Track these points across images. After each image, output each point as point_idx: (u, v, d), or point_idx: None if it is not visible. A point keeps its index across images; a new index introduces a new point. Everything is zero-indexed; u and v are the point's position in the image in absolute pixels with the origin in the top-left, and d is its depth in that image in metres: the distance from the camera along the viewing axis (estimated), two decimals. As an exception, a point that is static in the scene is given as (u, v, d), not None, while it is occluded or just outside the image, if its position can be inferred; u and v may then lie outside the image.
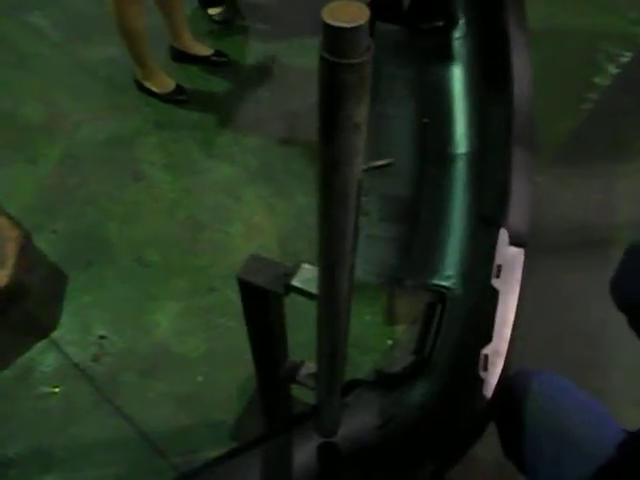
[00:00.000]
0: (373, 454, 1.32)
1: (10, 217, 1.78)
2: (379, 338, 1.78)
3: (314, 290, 0.85)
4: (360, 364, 1.68)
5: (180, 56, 2.59)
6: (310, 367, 1.15)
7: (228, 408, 1.61)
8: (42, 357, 1.72)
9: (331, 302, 0.82)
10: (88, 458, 1.55)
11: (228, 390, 1.65)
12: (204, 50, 2.59)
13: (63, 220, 2.06)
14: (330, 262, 0.75)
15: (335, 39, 0.50)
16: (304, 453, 1.30)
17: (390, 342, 1.77)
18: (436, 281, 1.57)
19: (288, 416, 1.42)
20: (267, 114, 2.42)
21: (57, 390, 1.67)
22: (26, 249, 1.78)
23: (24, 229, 1.77)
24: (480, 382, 1.10)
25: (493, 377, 1.11)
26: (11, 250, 1.73)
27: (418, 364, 1.45)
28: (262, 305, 0.95)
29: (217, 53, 2.60)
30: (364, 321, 1.80)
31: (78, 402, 1.65)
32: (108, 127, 2.36)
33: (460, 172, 1.70)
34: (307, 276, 0.88)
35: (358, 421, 1.36)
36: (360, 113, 0.55)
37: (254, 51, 2.72)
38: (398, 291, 1.82)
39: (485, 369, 1.12)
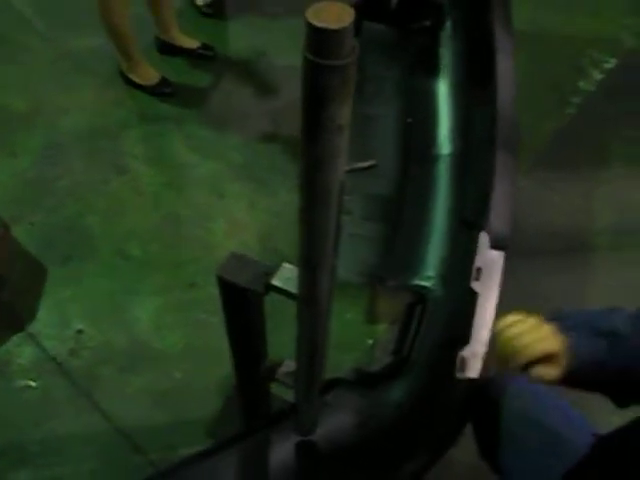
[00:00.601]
0: (351, 453, 1.32)
1: (-12, 208, 1.76)
2: (360, 337, 1.78)
3: (294, 290, 0.85)
4: (340, 363, 1.68)
5: (166, 48, 2.57)
6: (290, 365, 1.15)
7: (207, 405, 1.61)
8: (19, 350, 1.70)
9: (311, 302, 0.82)
10: (63, 453, 1.53)
11: (207, 387, 1.64)
12: (191, 43, 2.57)
13: (43, 212, 2.04)
14: (310, 262, 0.75)
15: (319, 40, 0.50)
16: (282, 451, 1.30)
17: (370, 341, 1.77)
18: (417, 281, 1.58)
19: (266, 414, 1.42)
20: (252, 109, 2.41)
21: (34, 384, 1.65)
22: (4, 241, 1.76)
23: (2, 221, 1.75)
24: (457, 384, 1.11)
25: (470, 379, 1.12)
26: (-12, 241, 1.71)
27: (397, 364, 1.45)
28: (241, 304, 0.94)
29: (203, 46, 2.59)
30: (345, 320, 1.80)
31: (55, 396, 1.63)
32: (92, 119, 2.34)
33: (443, 173, 1.71)
34: (287, 275, 0.88)
35: (336, 420, 1.36)
36: (343, 115, 0.55)
37: (241, 45, 2.69)
38: (379, 290, 1.83)
39: (463, 370, 1.13)
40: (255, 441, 1.34)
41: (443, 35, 1.73)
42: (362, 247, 1.66)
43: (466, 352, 1.16)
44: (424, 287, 1.58)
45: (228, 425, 1.56)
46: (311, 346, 0.93)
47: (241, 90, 2.49)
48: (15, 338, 1.71)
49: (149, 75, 2.42)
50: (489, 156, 1.47)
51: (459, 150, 1.74)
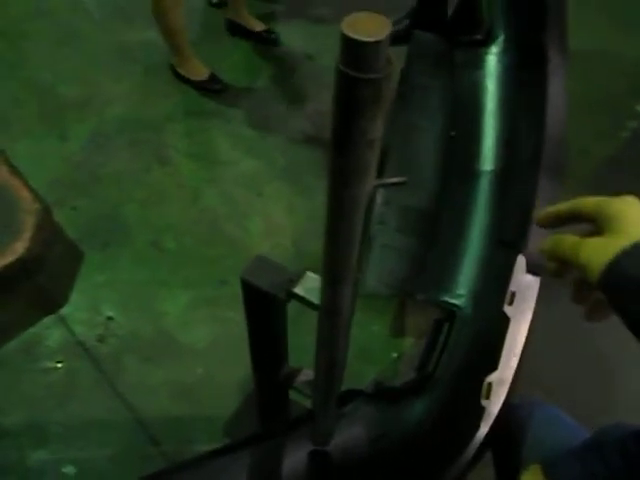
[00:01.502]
0: (364, 467, 1.30)
1: (32, 190, 1.80)
2: (384, 350, 1.76)
3: (316, 300, 0.84)
4: (362, 374, 1.66)
5: (236, 28, 2.66)
6: (308, 374, 1.14)
7: (225, 403, 1.61)
8: (48, 332, 1.74)
9: (332, 315, 0.81)
10: (82, 437, 1.56)
11: (227, 385, 1.64)
12: (258, 25, 2.66)
13: (85, 198, 2.08)
14: (333, 275, 0.73)
15: (354, 53, 0.48)
16: (295, 459, 1.29)
17: (395, 355, 1.74)
18: (447, 298, 1.54)
19: (283, 419, 1.41)
20: (296, 112, 2.41)
21: (60, 366, 1.68)
22: (45, 223, 1.79)
23: (45, 203, 1.79)
24: (481, 410, 1.07)
25: (494, 406, 1.08)
26: (30, 223, 1.75)
27: (420, 381, 1.42)
28: (263, 308, 0.94)
29: (268, 31, 2.66)
30: (371, 331, 1.78)
31: (79, 380, 1.66)
32: (139, 109, 2.38)
33: (483, 190, 1.66)
34: (311, 285, 0.86)
35: (352, 432, 1.34)
36: (374, 129, 0.54)
37: (289, 47, 2.70)
38: (408, 304, 1.80)
39: (487, 397, 1.09)
40: (269, 445, 1.34)
41: (494, 50, 1.69)
42: (393, 259, 1.63)
43: (493, 378, 1.12)
44: (454, 305, 1.54)
45: (245, 425, 1.56)
46: (330, 358, 0.92)
47: (286, 91, 2.50)
48: (46, 320, 1.74)
49: (198, 71, 2.45)
50: (533, 177, 1.42)
51: (502, 168, 1.69)
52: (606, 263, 0.48)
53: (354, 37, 0.47)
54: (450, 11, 2.05)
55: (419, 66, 1.91)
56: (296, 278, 0.88)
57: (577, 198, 0.57)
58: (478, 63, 1.79)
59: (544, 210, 0.59)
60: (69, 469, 1.51)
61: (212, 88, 2.46)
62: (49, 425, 1.57)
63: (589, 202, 0.55)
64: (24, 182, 1.91)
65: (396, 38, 2.04)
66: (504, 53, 1.69)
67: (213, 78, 2.47)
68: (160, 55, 2.49)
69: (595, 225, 0.54)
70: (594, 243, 0.51)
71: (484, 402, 1.06)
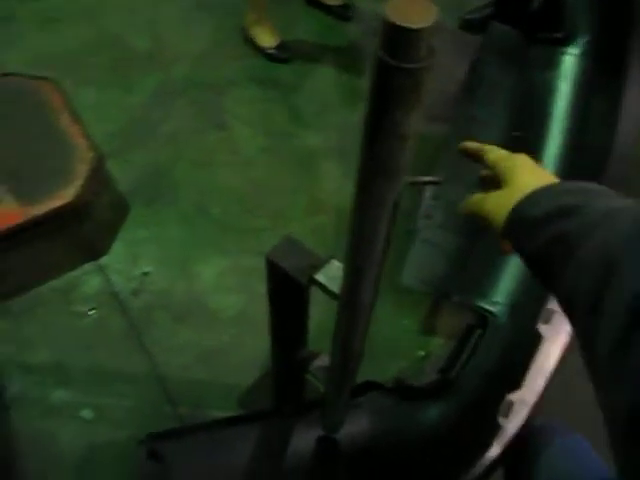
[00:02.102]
0: (369, 461, 1.28)
1: (89, 139, 1.83)
2: (411, 346, 1.72)
3: (337, 290, 0.81)
4: (385, 368, 1.63)
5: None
6: (324, 360, 1.12)
7: (244, 374, 1.61)
8: (86, 278, 1.78)
9: (351, 307, 0.78)
10: (104, 385, 1.60)
11: (249, 357, 1.65)
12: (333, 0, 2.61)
13: (140, 152, 2.11)
14: (355, 269, 0.70)
15: (394, 39, 0.45)
16: (302, 441, 1.28)
17: (422, 353, 1.71)
18: (483, 304, 1.49)
19: (298, 400, 1.40)
20: (360, 92, 2.36)
21: (92, 313, 1.73)
22: (97, 172, 1.83)
23: (99, 153, 1.83)
24: (497, 429, 1.03)
25: (512, 427, 1.04)
26: (82, 170, 1.79)
27: (441, 384, 1.39)
28: (285, 289, 0.92)
29: (344, 6, 2.60)
30: (401, 325, 1.74)
31: (108, 329, 1.70)
32: (205, 70, 2.38)
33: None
34: (333, 273, 0.84)
35: (364, 424, 1.32)
36: (408, 123, 0.50)
37: (360, 28, 2.63)
38: (442, 304, 1.75)
39: (506, 416, 1.05)
40: (280, 424, 1.33)
41: (572, 51, 1.59)
42: (433, 255, 1.58)
43: (515, 397, 1.07)
44: (489, 311, 1.49)
45: (260, 399, 1.56)
46: (345, 349, 0.90)
47: (352, 70, 2.44)
48: (86, 266, 1.80)
49: (269, 37, 2.43)
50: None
51: (562, 176, 1.61)
52: (505, 216, 0.56)
53: (396, 22, 0.43)
54: (533, 5, 1.94)
55: (491, 59, 1.83)
56: (320, 264, 0.86)
57: (488, 146, 0.64)
58: (554, 63, 1.69)
59: (467, 142, 0.66)
60: (86, 413, 1.55)
61: (279, 56, 2.44)
62: (74, 368, 1.62)
63: (491, 155, 0.63)
64: (83, 130, 1.95)
65: (473, 26, 1.97)
66: (583, 55, 1.59)
67: (282, 46, 2.44)
68: (234, 17, 2.48)
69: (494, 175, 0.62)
70: (493, 198, 0.59)
71: (502, 420, 1.02)
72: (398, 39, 0.44)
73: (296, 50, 2.47)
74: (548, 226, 0.50)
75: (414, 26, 0.43)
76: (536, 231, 0.52)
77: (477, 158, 0.65)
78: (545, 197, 0.53)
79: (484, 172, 0.68)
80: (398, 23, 0.43)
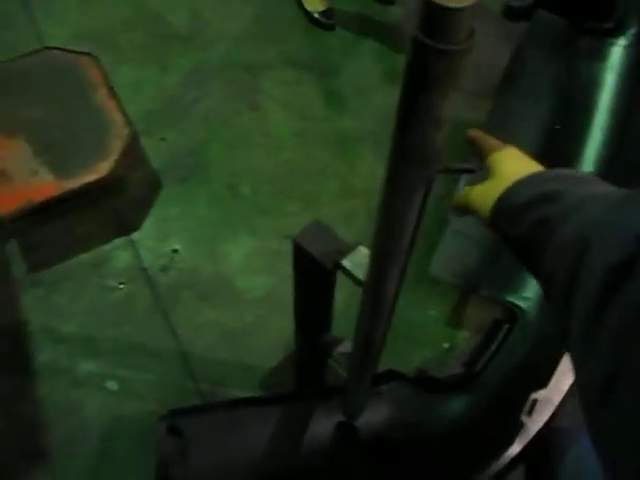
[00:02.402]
0: (388, 450, 1.27)
1: (125, 115, 1.85)
2: (437, 337, 1.70)
3: (362, 276, 0.80)
4: (409, 357, 1.62)
5: None
6: (347, 347, 1.12)
7: (267, 356, 1.62)
8: (118, 253, 1.81)
9: (375, 295, 0.77)
10: (128, 357, 1.63)
11: (272, 339, 1.65)
12: None
13: (174, 131, 2.12)
14: (381, 256, 0.69)
15: (433, 18, 0.43)
16: (321, 426, 1.28)
17: (446, 345, 1.69)
18: (512, 299, 1.46)
19: (319, 384, 1.40)
20: (400, 77, 2.32)
21: (121, 287, 1.75)
22: (132, 149, 1.85)
23: (134, 130, 1.84)
24: (519, 426, 1.01)
25: (534, 425, 1.02)
26: (117, 146, 1.81)
27: (465, 378, 1.37)
28: (311, 273, 0.91)
29: None
30: (427, 316, 1.72)
31: (136, 304, 1.72)
32: (242, 51, 2.37)
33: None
34: (359, 260, 0.83)
35: (385, 413, 1.31)
36: (442, 107, 0.48)
37: (409, 4, 2.58)
38: (471, 297, 1.72)
39: (529, 414, 1.03)
40: (300, 407, 1.34)
41: (621, 42, 1.53)
42: (465, 247, 1.56)
43: (539, 395, 1.05)
44: (518, 307, 1.46)
45: (281, 381, 1.57)
46: (367, 337, 0.89)
47: (391, 56, 2.40)
48: (117, 241, 1.82)
49: (317, 2, 2.43)
50: (635, 186, 1.29)
51: (604, 172, 1.56)
52: (493, 201, 0.57)
53: (436, 1, 0.41)
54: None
55: (535, 48, 1.78)
56: (347, 250, 0.85)
57: (483, 135, 0.65)
58: (601, 54, 1.63)
59: (472, 131, 0.66)
60: (112, 384, 1.59)
61: (324, 22, 2.43)
62: (101, 340, 1.65)
63: (484, 144, 0.63)
64: (119, 106, 1.97)
65: (516, 14, 1.90)
66: (632, 47, 1.53)
67: (328, 12, 2.44)
68: (273, 1, 2.47)
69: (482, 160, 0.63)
70: (480, 189, 0.60)
71: (524, 418, 1.00)
72: (436, 18, 0.42)
73: (339, 24, 2.45)
74: (530, 211, 0.52)
75: (454, 5, 0.41)
76: (519, 217, 0.53)
77: (474, 146, 0.66)
78: (529, 185, 0.54)
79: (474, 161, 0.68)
80: (438, 2, 0.41)
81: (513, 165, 0.58)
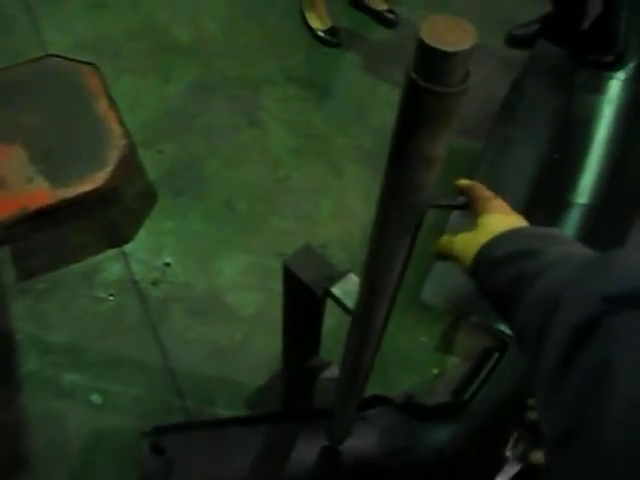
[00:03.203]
0: (371, 476, 1.26)
1: (124, 126, 1.85)
2: (426, 363, 1.69)
3: (351, 305, 0.80)
4: (398, 382, 1.61)
5: (357, 2, 2.62)
6: (334, 372, 1.11)
7: (254, 374, 1.61)
8: (109, 264, 1.80)
9: (363, 325, 0.76)
10: (115, 371, 1.61)
11: (261, 357, 1.64)
12: (380, 4, 2.58)
13: (172, 143, 2.12)
14: (371, 288, 0.69)
15: (428, 61, 0.43)
16: (306, 449, 1.27)
17: (436, 371, 1.68)
18: (502, 327, 1.46)
19: (305, 406, 1.39)
20: (396, 98, 2.33)
21: (111, 299, 1.74)
22: (129, 160, 1.85)
23: (132, 141, 1.84)
24: (503, 461, 1.00)
25: (519, 459, 1.01)
26: (114, 157, 1.81)
27: (452, 406, 1.36)
28: (300, 298, 0.91)
29: (389, 11, 2.58)
30: (417, 341, 1.72)
31: (125, 316, 1.71)
32: (244, 67, 2.38)
33: (571, 223, 1.55)
34: (350, 288, 0.82)
35: (370, 439, 1.30)
36: (435, 147, 0.48)
37: (409, 26, 2.59)
38: (461, 323, 1.71)
39: (512, 451, 1.02)
40: (286, 429, 1.32)
41: (620, 76, 1.55)
42: (456, 274, 1.55)
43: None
44: (508, 335, 1.46)
45: (268, 400, 1.55)
46: (354, 364, 0.88)
47: (391, 77, 2.42)
48: (110, 252, 1.81)
49: (322, 20, 2.47)
50: (628, 219, 1.30)
51: (597, 204, 1.56)
52: (475, 251, 0.58)
53: (431, 43, 0.42)
54: (583, 26, 1.89)
55: (534, 78, 1.79)
56: (337, 277, 0.85)
57: (473, 183, 0.65)
58: (600, 87, 1.65)
59: (461, 180, 0.67)
60: (96, 397, 1.57)
61: (328, 40, 2.47)
62: (88, 352, 1.63)
63: (472, 193, 0.64)
64: (118, 117, 1.97)
65: (519, 42, 1.93)
66: (631, 81, 1.55)
67: (333, 31, 2.48)
68: (276, 17, 2.49)
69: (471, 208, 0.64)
70: (462, 239, 0.62)
71: (508, 452, 0.99)
72: (432, 61, 0.43)
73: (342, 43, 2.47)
74: (508, 266, 0.54)
75: (450, 49, 0.41)
76: (498, 270, 0.55)
77: (465, 194, 0.67)
78: (509, 240, 0.56)
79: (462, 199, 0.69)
80: (433, 45, 0.41)
81: (499, 220, 0.60)
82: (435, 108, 0.45)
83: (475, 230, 0.61)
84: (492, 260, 0.56)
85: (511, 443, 1.00)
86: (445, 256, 0.64)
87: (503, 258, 0.54)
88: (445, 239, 0.64)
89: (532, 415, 0.95)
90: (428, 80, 0.43)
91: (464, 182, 0.66)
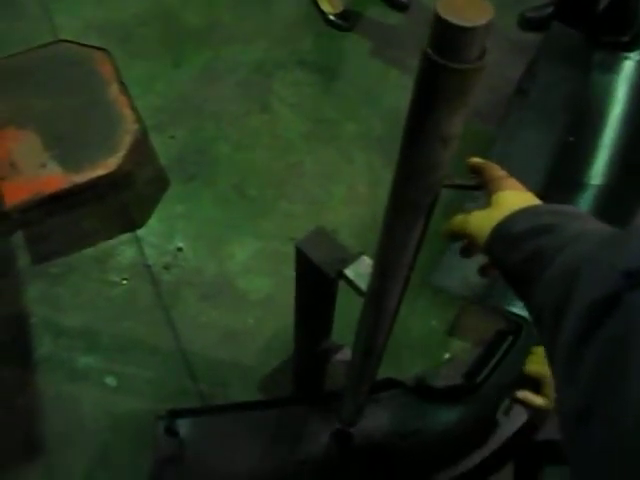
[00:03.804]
0: (382, 458, 1.27)
1: (135, 111, 1.85)
2: (438, 347, 1.69)
3: (364, 287, 0.80)
4: (409, 366, 1.61)
5: None
6: (347, 354, 1.11)
7: (267, 358, 1.62)
8: (122, 249, 1.81)
9: (376, 307, 0.77)
10: (128, 354, 1.63)
11: (273, 341, 1.65)
12: None
13: (184, 129, 2.12)
14: (384, 270, 0.69)
15: (445, 36, 0.42)
16: (317, 432, 1.28)
17: (447, 355, 1.68)
18: (516, 310, 1.46)
19: (317, 389, 1.40)
20: (409, 82, 2.31)
21: (124, 283, 1.76)
22: (141, 145, 1.85)
23: (144, 126, 1.84)
24: (494, 425, 1.02)
25: (511, 426, 1.03)
26: (126, 142, 1.81)
27: (463, 389, 1.36)
28: (313, 280, 0.91)
29: None
30: (429, 326, 1.72)
31: (138, 300, 1.72)
32: (255, 52, 2.37)
33: (584, 205, 1.54)
34: (363, 270, 0.82)
35: (382, 421, 1.31)
36: (451, 126, 0.48)
37: (423, 10, 2.56)
38: (475, 308, 1.71)
39: (506, 414, 1.04)
40: (297, 412, 1.33)
41: (635, 56, 1.52)
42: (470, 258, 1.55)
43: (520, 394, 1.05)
44: (522, 318, 1.46)
45: (280, 384, 1.56)
46: (367, 346, 0.88)
47: (403, 60, 2.39)
48: (122, 237, 1.82)
49: (334, 3, 2.44)
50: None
51: (611, 184, 1.55)
52: (491, 228, 0.58)
53: (448, 19, 0.41)
54: (598, 8, 1.86)
55: (549, 61, 1.77)
56: (350, 259, 0.85)
57: (487, 163, 0.64)
58: (615, 67, 1.63)
59: (474, 159, 0.66)
60: (110, 380, 1.59)
61: (339, 24, 2.45)
62: (102, 335, 1.65)
63: (487, 173, 0.63)
64: (130, 101, 1.97)
65: (532, 25, 1.91)
66: (647, 63, 1.53)
67: (345, 14, 2.46)
68: (286, 3, 2.46)
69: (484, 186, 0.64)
70: (477, 217, 0.61)
71: (499, 417, 1.02)
72: (449, 37, 0.42)
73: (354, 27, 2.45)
74: (526, 242, 0.53)
75: (467, 24, 0.41)
76: (515, 247, 0.54)
77: (477, 173, 0.66)
78: (526, 216, 0.56)
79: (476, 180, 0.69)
80: (450, 20, 0.41)
81: (514, 197, 0.60)
82: (452, 85, 0.44)
83: (490, 208, 0.60)
84: (508, 237, 0.55)
85: (503, 407, 1.03)
86: (458, 235, 0.63)
87: (520, 235, 0.54)
88: (458, 218, 0.63)
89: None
90: (445, 56, 0.43)
91: (478, 160, 0.66)
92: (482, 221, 0.59)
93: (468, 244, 0.65)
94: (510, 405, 1.03)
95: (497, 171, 0.63)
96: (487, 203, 0.62)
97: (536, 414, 1.05)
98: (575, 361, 0.37)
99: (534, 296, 0.50)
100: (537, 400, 0.91)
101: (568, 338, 0.39)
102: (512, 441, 1.04)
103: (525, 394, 0.92)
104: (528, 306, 0.53)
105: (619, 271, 0.37)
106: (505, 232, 0.56)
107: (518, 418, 1.03)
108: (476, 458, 1.07)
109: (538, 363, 0.94)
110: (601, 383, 0.35)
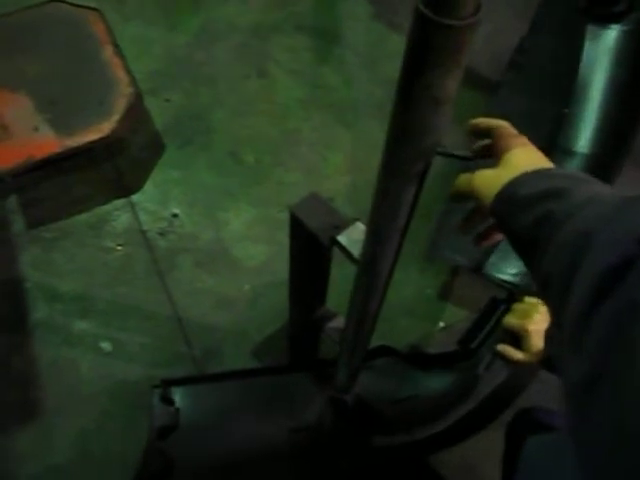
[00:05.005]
0: (376, 423, 1.28)
1: (130, 74, 1.82)
2: (432, 316, 1.70)
3: (357, 253, 0.79)
4: (403, 334, 1.62)
5: None
6: (340, 322, 1.11)
7: (262, 325, 1.62)
8: (117, 214, 1.80)
9: (369, 273, 0.76)
10: (123, 319, 1.63)
11: (269, 309, 1.66)
12: None
13: (180, 93, 2.09)
14: (377, 235, 0.68)
15: (438, -9, 0.41)
16: (311, 399, 1.29)
17: (442, 324, 1.68)
18: (511, 279, 1.46)
19: (312, 357, 1.41)
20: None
21: (119, 249, 1.75)
22: (135, 109, 1.82)
23: (139, 89, 1.81)
24: (477, 380, 1.04)
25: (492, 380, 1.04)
26: (121, 106, 1.78)
27: (457, 355, 1.37)
28: (306, 246, 0.90)
29: None
30: (424, 293, 1.72)
31: (133, 266, 1.72)
32: (252, 15, 2.32)
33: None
34: (357, 236, 0.82)
35: (376, 388, 1.32)
36: (444, 87, 0.46)
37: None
38: (470, 276, 1.71)
39: (487, 368, 1.06)
40: (291, 379, 1.34)
41: (624, 27, 1.50)
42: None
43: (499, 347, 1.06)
44: (517, 286, 1.46)
45: (274, 351, 1.57)
46: (361, 314, 0.88)
47: (403, 29, 2.35)
48: (117, 202, 1.81)
49: None
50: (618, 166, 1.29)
51: (599, 152, 1.55)
52: (498, 189, 0.56)
53: (441, -28, 0.39)
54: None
55: (543, 35, 1.74)
56: (344, 225, 0.84)
57: (498, 122, 0.62)
58: (606, 39, 1.60)
59: (480, 120, 0.63)
60: (105, 345, 1.59)
61: None
62: (97, 300, 1.65)
63: (497, 131, 0.61)
64: (124, 64, 1.93)
65: None
66: (633, 33, 1.50)
67: None
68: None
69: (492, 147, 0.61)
70: (486, 174, 0.59)
71: (482, 371, 1.03)
72: (443, -8, 0.40)
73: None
74: (535, 206, 0.51)
75: (461, -22, 0.39)
76: (523, 210, 0.52)
77: (486, 133, 0.63)
78: (535, 179, 0.54)
79: (483, 142, 0.65)
80: (444, -26, 0.39)
81: (523, 158, 0.57)
82: (445, 43, 0.43)
83: (499, 168, 0.57)
84: (516, 199, 0.53)
85: (484, 363, 1.04)
86: (464, 195, 0.61)
87: (529, 197, 0.52)
88: (464, 176, 0.60)
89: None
90: (437, 13, 0.41)
91: (484, 120, 0.62)
92: (490, 180, 0.57)
93: (473, 211, 0.63)
94: (492, 360, 1.04)
95: (507, 129, 0.60)
96: (495, 162, 0.59)
97: (520, 370, 1.07)
98: (586, 327, 0.37)
99: (542, 261, 0.49)
100: (517, 354, 0.92)
101: (579, 304, 0.38)
102: (495, 396, 1.06)
103: (504, 347, 0.94)
104: (534, 271, 0.51)
105: (634, 237, 0.36)
106: (513, 194, 0.54)
107: (500, 373, 1.06)
108: (461, 412, 1.09)
109: (517, 318, 0.95)
110: (612, 349, 0.34)
